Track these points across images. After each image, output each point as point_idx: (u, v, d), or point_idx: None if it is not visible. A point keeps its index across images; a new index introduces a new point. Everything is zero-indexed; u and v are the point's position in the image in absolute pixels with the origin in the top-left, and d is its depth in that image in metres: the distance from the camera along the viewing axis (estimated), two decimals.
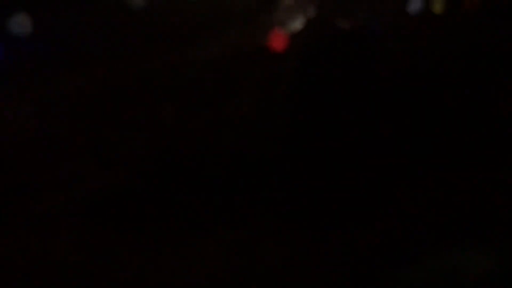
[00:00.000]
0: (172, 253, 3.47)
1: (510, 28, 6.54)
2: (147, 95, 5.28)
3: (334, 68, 5.48)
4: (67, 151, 4.23)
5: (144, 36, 7.29)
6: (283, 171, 4.02)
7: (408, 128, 4.37)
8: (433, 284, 3.11)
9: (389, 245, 3.52)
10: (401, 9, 8.29)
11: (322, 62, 5.77)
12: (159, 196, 3.74)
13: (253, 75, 5.82)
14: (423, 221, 3.65)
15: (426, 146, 4.25)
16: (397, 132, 4.31)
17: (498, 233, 3.49)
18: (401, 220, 3.68)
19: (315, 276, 3.41)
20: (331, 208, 3.79)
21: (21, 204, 3.76)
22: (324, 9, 9.09)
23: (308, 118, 4.65)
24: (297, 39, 7.26)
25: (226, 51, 6.76)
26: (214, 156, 4.18)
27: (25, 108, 4.90)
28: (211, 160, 4.12)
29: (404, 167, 4.05)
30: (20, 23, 7.08)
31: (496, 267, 3.29)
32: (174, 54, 6.46)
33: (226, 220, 3.70)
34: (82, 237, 3.67)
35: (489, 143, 4.16)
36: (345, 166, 4.02)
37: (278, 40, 6.85)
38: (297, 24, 8.65)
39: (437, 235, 3.53)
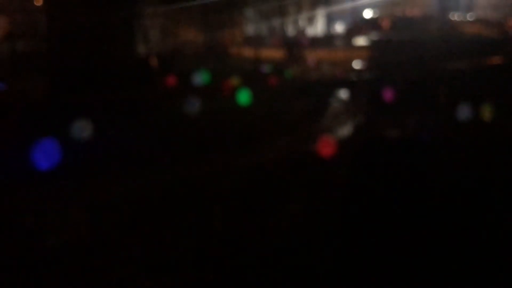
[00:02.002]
0: None
1: None
2: (197, 199, 5.36)
3: (383, 176, 5.47)
4: (118, 257, 4.27)
5: (197, 142, 7.52)
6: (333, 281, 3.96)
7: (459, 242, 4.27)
8: None
9: None
10: (451, 117, 8.33)
11: (371, 170, 5.78)
12: None
13: (302, 180, 5.86)
14: None
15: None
16: (447, 247, 4.20)
17: None
18: None
19: None
20: None
21: None
22: (372, 117, 9.22)
23: (356, 226, 4.61)
24: (345, 146, 7.34)
25: (276, 157, 6.87)
26: (263, 263, 4.15)
27: (77, 212, 5.03)
28: (260, 267, 4.09)
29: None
30: (80, 129, 7.44)
31: None
32: (225, 160, 6.60)
33: None
34: None
35: None
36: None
37: (326, 147, 6.93)
38: (345, 131, 8.78)
39: None
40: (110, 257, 4.21)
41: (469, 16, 28.19)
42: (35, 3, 16.62)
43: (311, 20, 25.53)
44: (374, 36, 17.71)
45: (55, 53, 11.23)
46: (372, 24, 24.06)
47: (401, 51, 10.72)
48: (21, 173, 5.85)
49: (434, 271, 3.82)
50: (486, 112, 8.13)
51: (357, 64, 14.16)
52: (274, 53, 19.24)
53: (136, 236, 4.56)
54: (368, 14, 28.96)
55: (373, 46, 12.24)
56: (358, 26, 25.08)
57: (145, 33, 16.69)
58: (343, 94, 10.93)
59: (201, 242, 4.41)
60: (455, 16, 28.18)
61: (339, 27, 28.29)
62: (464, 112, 8.09)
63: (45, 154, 6.21)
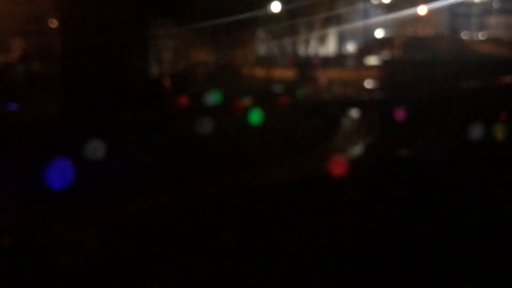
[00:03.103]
0: None
1: None
2: (209, 219, 5.38)
3: (394, 196, 5.47)
4: (131, 274, 4.30)
5: (209, 162, 7.56)
6: None
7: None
8: None
9: None
10: (463, 137, 8.31)
11: (382, 190, 5.78)
12: None
13: (314, 201, 5.86)
14: None
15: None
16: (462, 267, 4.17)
17: None
18: None
19: None
20: None
21: None
22: (384, 137, 9.22)
23: (368, 244, 4.61)
24: (357, 166, 7.34)
25: (288, 177, 6.88)
26: (275, 281, 4.15)
27: (90, 229, 5.06)
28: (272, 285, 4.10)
29: None
30: (93, 149, 7.51)
31: None
32: (237, 180, 6.62)
33: None
34: None
35: None
36: None
37: (338, 167, 6.94)
38: (357, 151, 8.79)
39: None
40: (123, 276, 4.23)
41: (481, 36, 28.20)
42: (50, 25, 16.88)
43: (322, 40, 25.66)
44: (386, 55, 17.77)
45: (69, 74, 11.37)
46: (383, 43, 24.13)
47: (412, 71, 10.74)
48: (34, 192, 5.91)
49: None
50: (498, 131, 8.11)
51: (368, 84, 14.19)
52: (286, 73, 19.34)
53: (150, 256, 4.58)
54: (379, 33, 29.09)
55: (385, 66, 12.27)
56: (370, 45, 25.17)
57: (158, 54, 16.87)
58: (354, 113, 10.95)
59: (213, 262, 4.42)
60: (467, 36, 28.21)
61: (350, 47, 28.42)
62: (476, 131, 8.07)
63: (59, 174, 6.27)
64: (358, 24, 27.42)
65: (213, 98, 12.31)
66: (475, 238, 4.53)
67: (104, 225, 5.22)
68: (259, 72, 19.22)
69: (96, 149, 7.42)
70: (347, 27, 26.47)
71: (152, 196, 6.04)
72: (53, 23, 16.32)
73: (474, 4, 31.92)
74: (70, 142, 7.55)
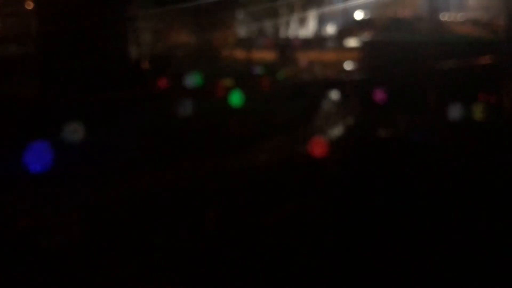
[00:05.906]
0: None
1: None
2: (190, 200, 5.38)
3: (375, 177, 5.50)
4: (114, 256, 4.29)
5: (191, 144, 7.54)
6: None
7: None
8: None
9: None
10: (442, 117, 8.38)
11: (363, 171, 5.81)
12: None
13: (294, 181, 5.89)
14: None
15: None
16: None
17: None
18: None
19: None
20: None
21: None
22: (364, 118, 9.26)
23: (348, 226, 4.64)
24: (337, 147, 7.37)
25: (269, 159, 6.89)
26: (255, 265, 4.16)
27: (72, 214, 5.04)
28: (252, 268, 4.11)
29: None
30: (73, 132, 7.45)
31: None
32: (217, 162, 6.62)
33: None
34: None
35: None
36: None
37: (318, 147, 6.97)
38: (337, 132, 8.83)
39: None
40: (107, 258, 4.22)
41: (460, 17, 28.31)
42: (26, 7, 16.59)
43: (302, 22, 25.60)
44: (365, 37, 17.75)
45: (47, 56, 11.22)
46: (363, 25, 24.11)
47: (392, 52, 10.76)
48: (14, 175, 5.86)
49: (427, 271, 3.85)
50: (477, 112, 8.20)
51: (348, 65, 14.20)
52: (266, 55, 19.28)
53: (132, 237, 4.58)
54: (359, 15, 29.08)
55: (364, 47, 12.27)
56: (349, 27, 25.16)
57: (138, 35, 16.68)
58: (335, 95, 10.98)
59: (196, 243, 4.43)
60: (445, 17, 28.29)
61: (330, 29, 28.38)
62: (455, 112, 8.14)
63: (38, 157, 6.22)
64: (338, 5, 27.35)
65: (193, 79, 12.24)
66: (459, 217, 4.58)
67: (84, 208, 5.20)
68: (240, 54, 19.12)
69: (75, 130, 7.36)
70: (327, 8, 26.41)
71: (132, 178, 6.02)
72: (29, 4, 16.04)
73: None
74: (49, 124, 7.48)
